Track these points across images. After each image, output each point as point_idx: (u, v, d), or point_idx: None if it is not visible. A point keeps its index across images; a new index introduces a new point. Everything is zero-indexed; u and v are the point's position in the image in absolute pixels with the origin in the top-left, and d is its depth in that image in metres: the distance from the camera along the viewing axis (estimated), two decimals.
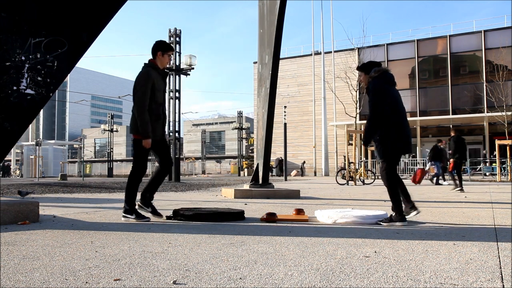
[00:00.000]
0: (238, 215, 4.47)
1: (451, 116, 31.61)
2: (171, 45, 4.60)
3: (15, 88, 3.67)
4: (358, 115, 28.18)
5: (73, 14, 3.94)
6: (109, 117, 43.24)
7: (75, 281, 1.92)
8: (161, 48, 4.33)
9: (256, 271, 2.12)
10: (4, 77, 3.63)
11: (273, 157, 33.94)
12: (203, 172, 49.09)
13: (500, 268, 2.22)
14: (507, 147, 18.75)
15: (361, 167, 17.64)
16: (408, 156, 24.17)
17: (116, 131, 44.78)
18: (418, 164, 24.05)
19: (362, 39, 30.58)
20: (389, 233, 3.48)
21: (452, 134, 10.94)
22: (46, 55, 3.78)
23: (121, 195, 9.18)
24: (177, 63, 19.44)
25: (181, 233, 3.41)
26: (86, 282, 1.90)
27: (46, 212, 5.00)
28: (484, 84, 29.92)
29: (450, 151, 10.96)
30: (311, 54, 37.97)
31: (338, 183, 15.21)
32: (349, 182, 15.38)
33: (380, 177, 4.43)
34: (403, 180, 4.42)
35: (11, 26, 3.64)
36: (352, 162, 16.48)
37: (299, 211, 4.71)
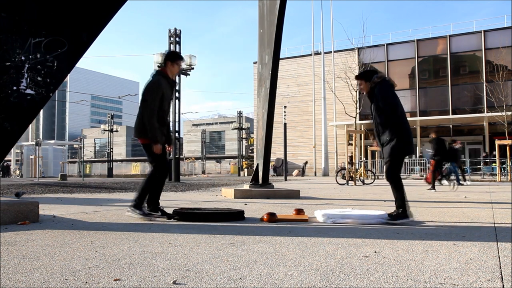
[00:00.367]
0: (238, 215, 4.47)
1: (451, 116, 31.60)
2: (180, 54, 4.83)
3: (15, 88, 3.67)
4: (358, 115, 28.19)
5: (73, 14, 3.95)
6: (109, 117, 43.30)
7: (75, 281, 1.92)
8: (170, 58, 4.60)
9: (256, 271, 2.12)
10: (4, 77, 3.63)
11: (273, 157, 33.96)
12: (203, 172, 49.12)
13: (500, 268, 2.22)
14: (507, 147, 18.77)
15: (361, 167, 17.64)
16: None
17: (116, 131, 44.82)
18: (419, 164, 24.03)
19: (362, 39, 30.72)
20: (389, 233, 3.48)
21: (433, 136, 11.38)
22: (46, 55, 3.78)
23: (121, 195, 9.19)
24: None
25: (181, 233, 3.40)
26: (86, 282, 1.90)
27: (46, 212, 5.00)
28: (484, 84, 29.94)
29: (431, 152, 11.35)
30: (311, 54, 37.97)
31: (338, 183, 15.21)
32: (349, 182, 15.39)
33: (385, 176, 4.46)
34: (404, 180, 4.45)
35: (11, 26, 3.64)
36: (352, 162, 16.48)
37: (299, 211, 4.71)
